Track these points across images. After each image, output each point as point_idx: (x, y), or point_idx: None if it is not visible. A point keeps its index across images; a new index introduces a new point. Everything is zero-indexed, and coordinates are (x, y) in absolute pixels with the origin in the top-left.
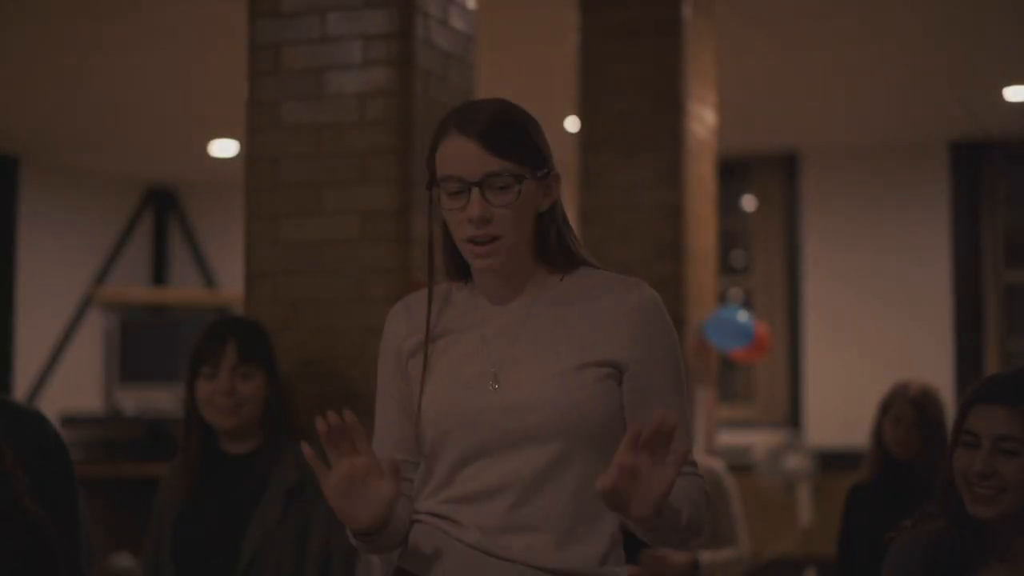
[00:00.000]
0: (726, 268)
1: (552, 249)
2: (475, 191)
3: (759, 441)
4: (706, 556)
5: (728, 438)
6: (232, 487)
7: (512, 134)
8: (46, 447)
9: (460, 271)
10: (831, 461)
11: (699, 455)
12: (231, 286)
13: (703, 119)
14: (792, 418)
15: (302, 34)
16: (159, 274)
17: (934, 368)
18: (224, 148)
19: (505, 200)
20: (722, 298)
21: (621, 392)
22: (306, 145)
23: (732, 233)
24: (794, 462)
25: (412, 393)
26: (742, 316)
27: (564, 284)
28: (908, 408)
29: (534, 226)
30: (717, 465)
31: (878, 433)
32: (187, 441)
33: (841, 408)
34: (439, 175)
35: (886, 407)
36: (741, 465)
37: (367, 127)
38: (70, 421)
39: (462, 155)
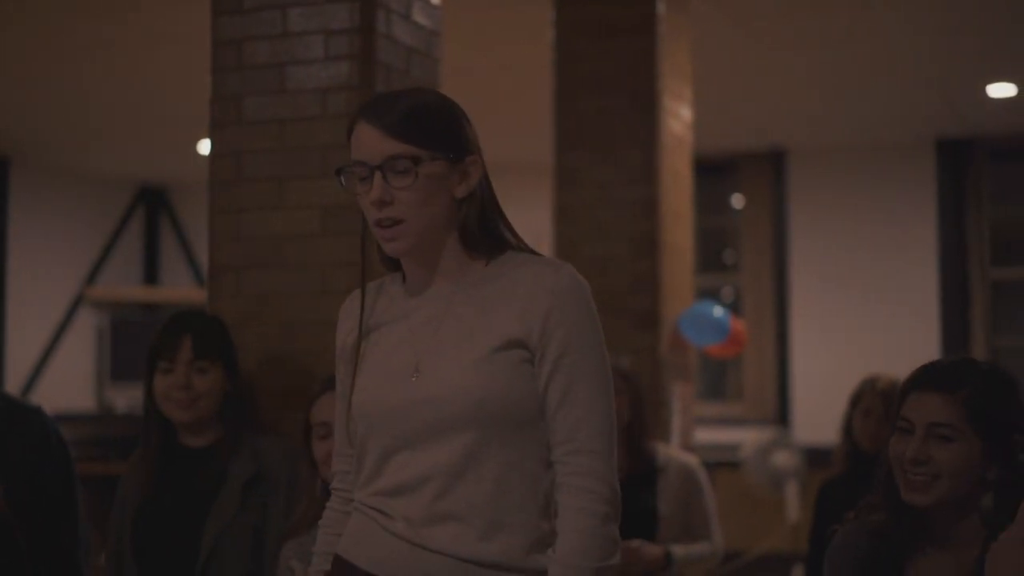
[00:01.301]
0: (717, 267)
1: (474, 235)
2: (377, 175)
3: (748, 438)
4: (679, 550)
5: (717, 435)
6: (191, 480)
7: (415, 120)
8: (46, 444)
9: (393, 262)
10: (819, 458)
11: (674, 450)
12: None
13: (679, 115)
14: (780, 415)
15: (264, 30)
16: (150, 273)
17: None
18: None
19: (404, 183)
20: (715, 296)
21: (537, 375)
22: (268, 140)
23: (724, 231)
24: (782, 459)
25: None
26: (717, 311)
27: (488, 270)
28: (877, 401)
29: (453, 212)
30: (692, 460)
31: (848, 427)
32: (146, 435)
33: (829, 405)
34: (351, 161)
35: (855, 401)
36: (730, 462)
37: (329, 121)
38: (61, 419)
39: (366, 141)
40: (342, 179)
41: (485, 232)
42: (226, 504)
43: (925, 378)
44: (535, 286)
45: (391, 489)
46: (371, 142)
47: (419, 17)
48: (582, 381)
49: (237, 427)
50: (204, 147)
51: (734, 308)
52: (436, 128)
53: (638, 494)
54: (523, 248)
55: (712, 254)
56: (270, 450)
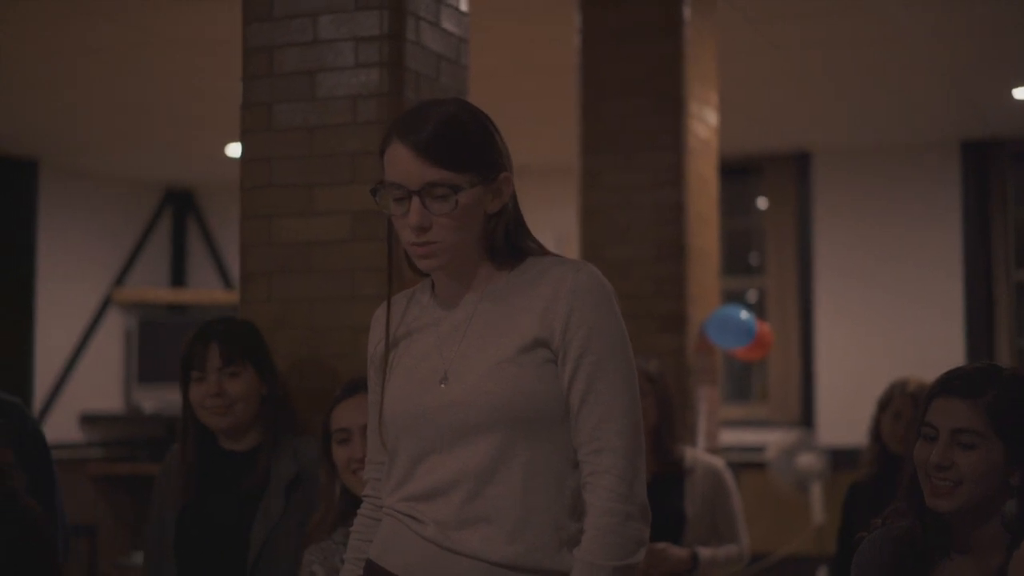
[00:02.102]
0: (742, 269)
1: (501, 248)
2: (415, 199)
3: (772, 440)
4: (705, 552)
5: (741, 437)
6: (234, 484)
7: (451, 143)
8: (22, 438)
9: (421, 270)
10: (843, 460)
11: (701, 453)
12: None
13: (705, 119)
14: (805, 417)
15: (294, 37)
16: (178, 275)
17: (946, 367)
18: None
19: (443, 209)
20: (740, 298)
21: (560, 375)
22: (298, 146)
23: (748, 233)
24: (807, 461)
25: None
26: (743, 314)
27: (511, 277)
28: (907, 404)
29: (484, 227)
30: (718, 462)
31: (876, 429)
32: (183, 442)
33: (853, 407)
34: (385, 180)
35: (884, 404)
36: (754, 464)
37: (359, 128)
38: (90, 420)
39: (402, 163)
40: (376, 198)
41: (510, 244)
42: (272, 504)
43: (949, 384)
44: (557, 287)
45: (421, 493)
46: (407, 165)
47: (448, 24)
48: (604, 380)
49: (276, 429)
50: (232, 150)
51: (759, 310)
52: (471, 149)
53: (665, 496)
54: (545, 254)
55: (737, 256)
56: (308, 450)
